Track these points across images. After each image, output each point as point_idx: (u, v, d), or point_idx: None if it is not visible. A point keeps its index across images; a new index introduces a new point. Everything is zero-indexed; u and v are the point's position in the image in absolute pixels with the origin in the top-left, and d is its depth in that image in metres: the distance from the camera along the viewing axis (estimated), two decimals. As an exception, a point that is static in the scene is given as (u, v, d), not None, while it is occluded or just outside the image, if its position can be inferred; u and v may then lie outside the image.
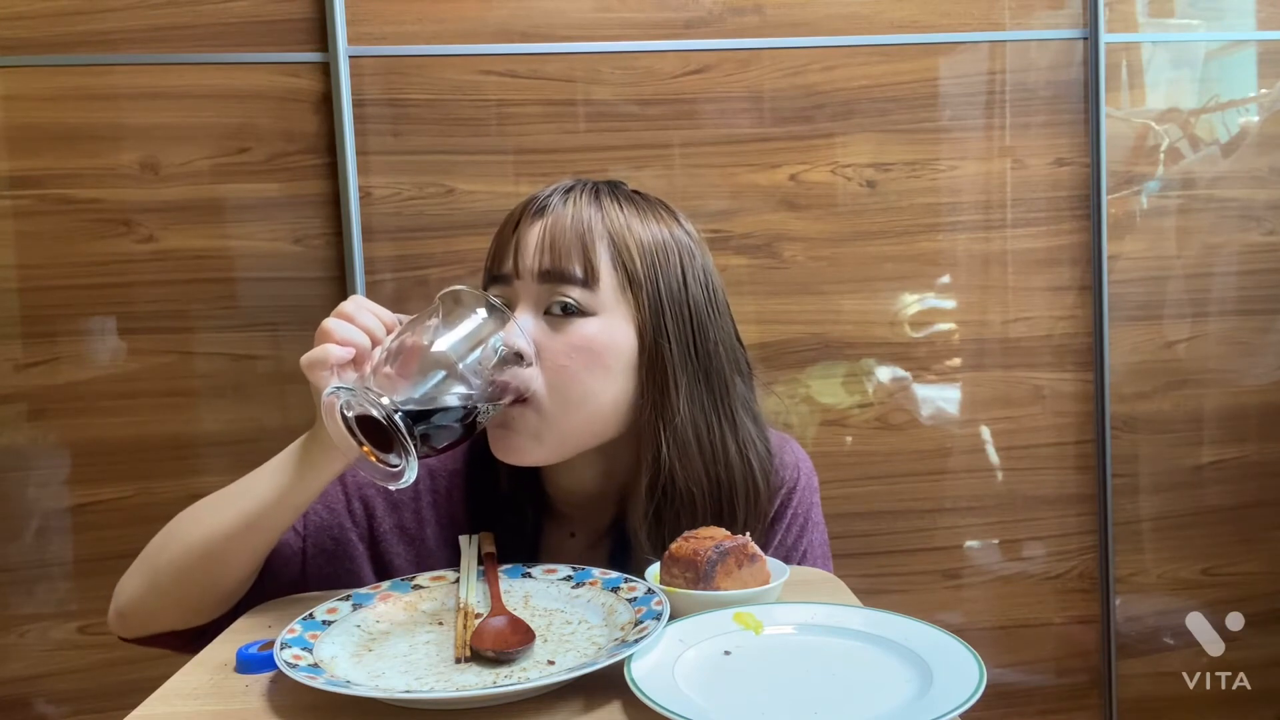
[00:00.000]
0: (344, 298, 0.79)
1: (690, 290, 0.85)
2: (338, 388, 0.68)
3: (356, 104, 1.48)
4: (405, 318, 0.78)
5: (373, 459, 0.70)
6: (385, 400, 0.67)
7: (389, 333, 0.76)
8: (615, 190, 0.88)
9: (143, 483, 1.50)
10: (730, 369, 0.87)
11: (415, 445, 0.67)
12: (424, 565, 0.90)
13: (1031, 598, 1.65)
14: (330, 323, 0.75)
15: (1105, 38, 1.57)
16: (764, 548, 0.91)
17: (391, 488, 0.70)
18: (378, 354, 0.73)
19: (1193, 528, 1.67)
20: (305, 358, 0.73)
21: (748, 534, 0.77)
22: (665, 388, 0.83)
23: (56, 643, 1.51)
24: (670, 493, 0.84)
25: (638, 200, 0.88)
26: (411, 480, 0.69)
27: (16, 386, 1.48)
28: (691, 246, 0.87)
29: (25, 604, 1.51)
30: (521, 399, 0.80)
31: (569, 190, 0.85)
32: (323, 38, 1.47)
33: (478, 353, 0.74)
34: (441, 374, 0.71)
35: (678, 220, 0.89)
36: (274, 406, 1.51)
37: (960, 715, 0.54)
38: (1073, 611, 1.66)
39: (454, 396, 0.71)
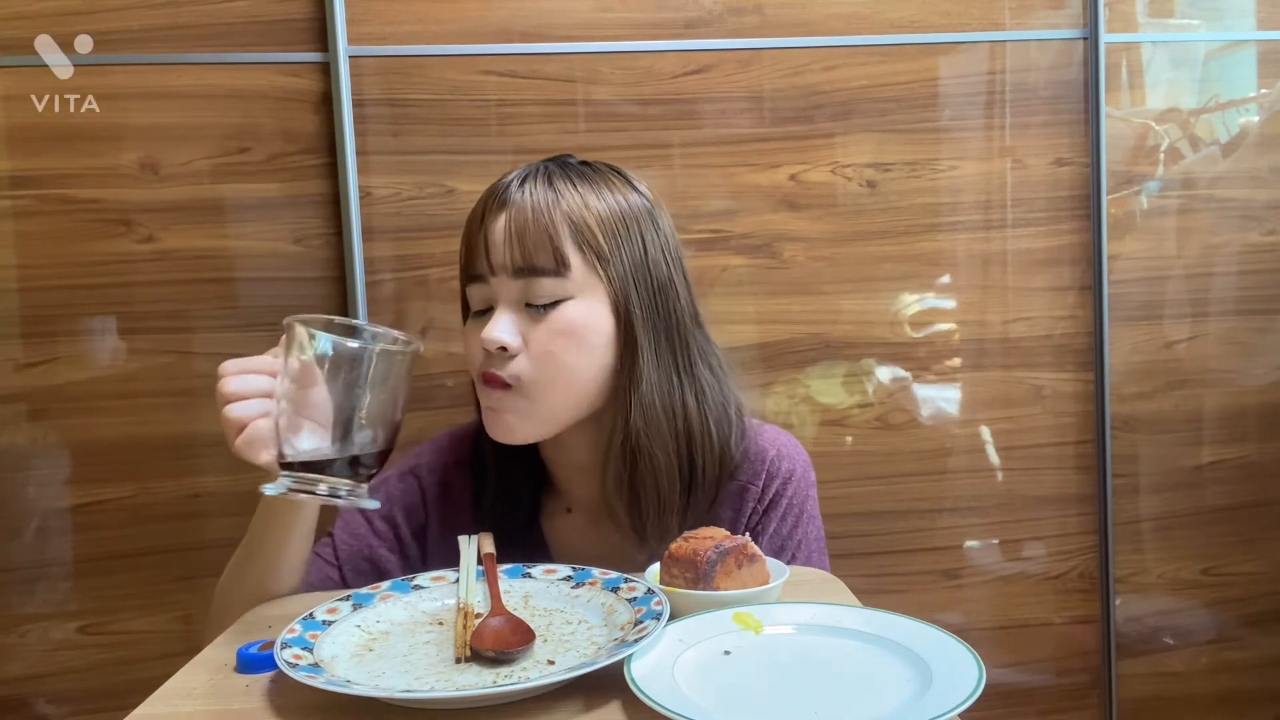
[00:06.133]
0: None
1: (650, 254, 0.89)
2: (273, 491, 0.73)
3: (356, 104, 1.48)
4: (275, 353, 0.80)
5: (332, 500, 0.75)
6: (321, 488, 0.73)
7: (274, 376, 0.79)
8: (565, 168, 0.90)
9: (143, 483, 1.50)
10: (690, 321, 0.92)
11: (356, 491, 0.74)
12: (442, 552, 0.96)
13: (1031, 598, 1.65)
14: (234, 410, 0.78)
15: (1105, 38, 1.57)
16: (759, 536, 0.93)
17: (358, 508, 0.77)
18: (282, 414, 0.75)
19: (1193, 528, 1.67)
20: (238, 446, 0.77)
21: (747, 534, 0.77)
22: (635, 353, 0.87)
23: (56, 643, 1.51)
24: (637, 457, 0.88)
25: (588, 174, 0.90)
26: (376, 506, 0.75)
27: (16, 386, 1.48)
28: (649, 208, 0.91)
29: (25, 604, 1.51)
30: (505, 385, 0.85)
31: (524, 179, 0.88)
32: (323, 38, 1.47)
33: (352, 365, 0.75)
34: (337, 393, 0.74)
35: (631, 185, 0.92)
36: (274, 406, 1.51)
37: (960, 715, 0.54)
38: (1073, 611, 1.66)
39: (361, 407, 0.74)
